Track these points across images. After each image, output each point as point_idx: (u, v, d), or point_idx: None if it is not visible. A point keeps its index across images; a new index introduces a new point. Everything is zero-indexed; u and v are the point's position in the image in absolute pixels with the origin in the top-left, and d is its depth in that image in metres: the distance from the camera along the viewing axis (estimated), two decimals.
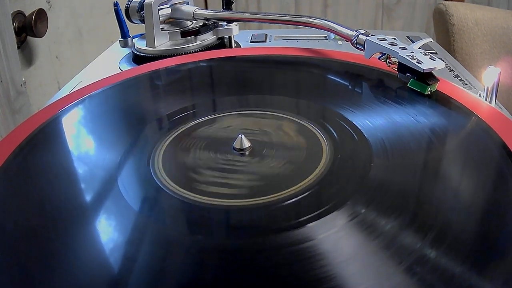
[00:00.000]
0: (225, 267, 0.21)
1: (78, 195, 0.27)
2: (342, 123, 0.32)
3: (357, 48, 0.41)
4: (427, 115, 0.32)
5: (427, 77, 0.35)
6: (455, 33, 0.71)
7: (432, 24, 0.81)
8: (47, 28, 0.64)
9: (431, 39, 0.43)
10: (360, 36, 0.41)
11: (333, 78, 0.42)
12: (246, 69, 0.45)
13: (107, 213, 0.25)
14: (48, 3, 0.69)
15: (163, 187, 0.27)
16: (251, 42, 0.57)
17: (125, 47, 0.56)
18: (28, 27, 0.61)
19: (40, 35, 0.62)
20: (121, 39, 0.56)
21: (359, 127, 0.31)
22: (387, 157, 0.28)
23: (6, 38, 0.56)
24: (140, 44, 0.51)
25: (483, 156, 0.28)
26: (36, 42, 0.66)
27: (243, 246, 0.23)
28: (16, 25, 0.60)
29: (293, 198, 0.25)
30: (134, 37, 0.57)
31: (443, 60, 0.47)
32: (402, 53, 0.36)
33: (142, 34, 0.56)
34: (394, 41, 0.39)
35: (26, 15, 0.62)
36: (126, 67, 0.49)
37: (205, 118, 0.34)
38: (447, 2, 0.76)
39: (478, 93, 0.35)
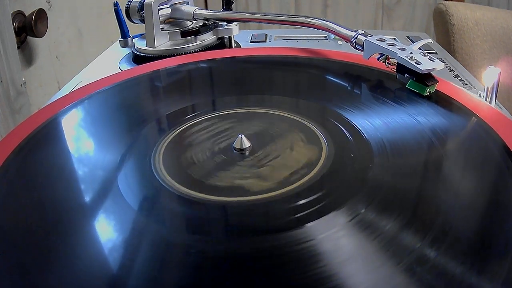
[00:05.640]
0: (225, 266, 0.21)
1: (78, 195, 0.27)
2: (342, 123, 0.32)
3: (356, 48, 0.41)
4: (427, 115, 0.32)
5: (426, 78, 0.35)
6: (455, 33, 0.71)
7: (432, 24, 0.81)
8: (47, 28, 0.64)
9: (430, 40, 0.43)
10: (359, 36, 0.40)
11: (333, 78, 0.42)
12: (246, 69, 0.45)
13: (107, 213, 0.25)
14: (48, 3, 0.69)
15: (163, 187, 0.27)
16: (251, 42, 0.57)
17: (125, 47, 0.56)
18: (28, 27, 0.61)
19: (40, 35, 0.62)
20: (121, 39, 0.56)
21: (359, 127, 0.31)
22: (387, 157, 0.28)
23: (6, 38, 0.56)
24: (140, 44, 0.51)
25: (483, 156, 0.28)
26: (36, 42, 0.66)
27: (243, 246, 0.23)
28: (16, 25, 0.60)
29: (293, 198, 0.25)
30: (134, 37, 0.57)
31: (443, 60, 0.48)
32: (401, 53, 0.36)
33: (142, 34, 0.56)
34: (393, 41, 0.38)
35: (26, 15, 0.62)
36: (126, 67, 0.49)
37: (205, 118, 0.34)
38: (447, 2, 0.76)
39: (478, 93, 0.35)
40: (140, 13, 0.52)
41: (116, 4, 0.54)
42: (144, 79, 0.42)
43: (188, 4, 0.54)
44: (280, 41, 0.56)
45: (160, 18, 0.50)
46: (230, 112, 0.35)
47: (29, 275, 0.21)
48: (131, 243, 0.23)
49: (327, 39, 0.56)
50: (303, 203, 0.25)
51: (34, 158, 0.30)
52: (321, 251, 0.21)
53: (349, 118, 0.32)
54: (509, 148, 0.28)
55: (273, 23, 0.48)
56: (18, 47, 0.61)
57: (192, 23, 0.53)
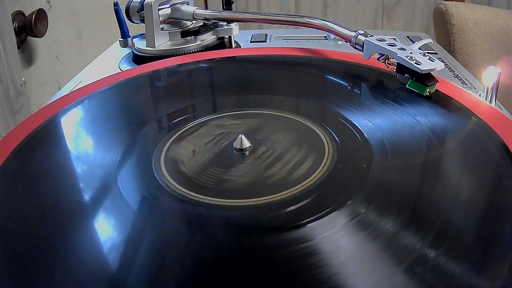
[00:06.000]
0: (225, 267, 0.21)
1: (77, 195, 0.27)
2: (343, 123, 0.32)
3: (356, 48, 0.41)
4: (427, 115, 0.32)
5: (426, 78, 0.35)
6: (455, 33, 0.71)
7: (432, 24, 0.81)
8: (47, 28, 0.64)
9: (430, 40, 0.43)
10: (359, 36, 0.40)
11: (333, 78, 0.42)
12: (246, 69, 0.45)
13: (106, 213, 0.25)
14: (48, 3, 0.69)
15: (163, 187, 0.27)
16: (251, 42, 0.57)
17: (125, 47, 0.56)
18: (28, 27, 0.61)
19: (40, 35, 0.62)
20: (121, 39, 0.56)
21: (359, 127, 0.31)
22: (387, 157, 0.28)
23: (6, 38, 0.56)
24: (140, 44, 0.51)
25: (483, 156, 0.28)
26: (36, 42, 0.66)
27: (243, 246, 0.23)
28: (16, 25, 0.60)
29: (293, 198, 0.25)
30: (134, 37, 0.57)
31: (443, 60, 0.48)
32: (401, 53, 0.36)
33: (142, 34, 0.56)
34: (393, 41, 0.38)
35: (26, 15, 0.62)
36: (126, 67, 0.49)
37: (205, 118, 0.34)
38: (447, 2, 0.76)
39: (478, 93, 0.35)
40: (140, 13, 0.52)
41: (116, 4, 0.54)
42: (144, 79, 0.42)
43: (188, 4, 0.54)
44: (280, 41, 0.56)
45: (160, 18, 0.50)
46: (230, 112, 0.35)
47: (29, 275, 0.21)
48: (131, 243, 0.23)
49: (327, 39, 0.56)
50: (303, 203, 0.25)
51: (34, 158, 0.30)
52: (321, 251, 0.21)
53: (349, 118, 0.32)
54: (508, 148, 0.28)
55: (273, 23, 0.48)
56: (18, 47, 0.61)
57: (192, 23, 0.53)
